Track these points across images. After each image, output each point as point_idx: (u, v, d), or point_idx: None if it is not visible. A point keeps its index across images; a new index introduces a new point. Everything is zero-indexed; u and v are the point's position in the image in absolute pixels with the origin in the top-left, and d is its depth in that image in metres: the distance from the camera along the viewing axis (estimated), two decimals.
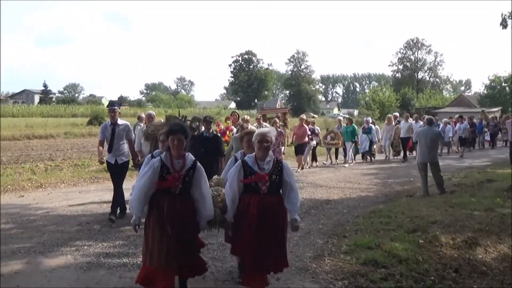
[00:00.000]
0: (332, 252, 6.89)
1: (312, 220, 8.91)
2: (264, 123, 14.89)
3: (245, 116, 12.80)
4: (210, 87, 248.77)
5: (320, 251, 6.97)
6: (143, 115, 16.11)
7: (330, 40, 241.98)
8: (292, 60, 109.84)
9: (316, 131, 17.41)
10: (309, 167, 16.13)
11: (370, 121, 19.56)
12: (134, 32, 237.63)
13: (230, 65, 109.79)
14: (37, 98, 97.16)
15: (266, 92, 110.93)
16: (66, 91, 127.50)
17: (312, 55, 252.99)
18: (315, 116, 62.22)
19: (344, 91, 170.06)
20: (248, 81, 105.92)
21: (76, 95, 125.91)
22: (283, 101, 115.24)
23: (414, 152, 18.29)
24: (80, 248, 6.91)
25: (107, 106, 9.02)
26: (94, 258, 6.45)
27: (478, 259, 7.02)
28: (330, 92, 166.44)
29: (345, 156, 18.41)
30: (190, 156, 4.90)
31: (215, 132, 9.60)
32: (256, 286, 4.90)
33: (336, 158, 18.42)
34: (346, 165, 17.61)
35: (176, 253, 4.67)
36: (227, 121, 12.81)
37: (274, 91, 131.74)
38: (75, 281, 5.59)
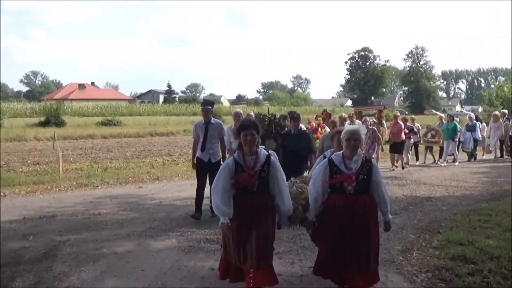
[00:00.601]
0: (422, 247, 7.01)
1: (408, 216, 8.99)
2: (357, 121, 14.68)
3: (343, 114, 12.61)
4: (326, 84, 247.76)
5: (409, 245, 7.12)
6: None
7: (451, 34, 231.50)
8: (410, 55, 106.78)
9: (416, 129, 16.81)
10: (403, 167, 15.54)
11: (474, 117, 18.54)
12: (253, 32, 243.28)
13: (346, 62, 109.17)
14: (161, 98, 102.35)
15: (383, 89, 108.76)
16: (188, 91, 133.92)
17: (432, 50, 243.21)
18: (437, 113, 59.79)
19: (467, 87, 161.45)
20: (364, 78, 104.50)
21: (198, 94, 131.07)
22: (401, 98, 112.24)
23: None
24: (184, 233, 7.70)
25: (201, 105, 9.18)
26: (195, 242, 7.18)
27: None
28: (452, 88, 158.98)
29: (440, 156, 17.32)
30: (263, 152, 4.85)
31: (303, 129, 9.67)
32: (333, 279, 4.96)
33: (440, 157, 17.31)
34: (443, 164, 16.64)
35: (258, 253, 4.62)
36: (318, 119, 12.71)
37: (392, 88, 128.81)
38: (177, 261, 6.32)
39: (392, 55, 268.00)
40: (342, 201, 4.71)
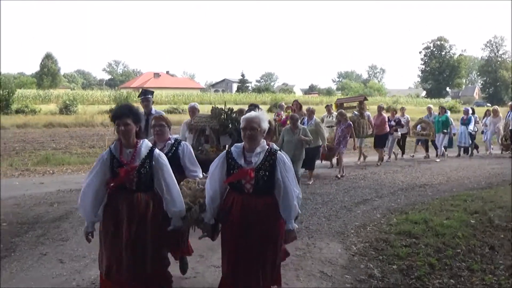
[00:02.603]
0: (378, 224, 7.87)
1: (390, 199, 9.79)
2: (334, 113, 13.81)
3: (310, 107, 11.94)
4: (402, 74, 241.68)
5: (368, 221, 8.01)
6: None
7: None
8: (488, 45, 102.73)
9: (403, 121, 15.94)
10: (388, 160, 15.23)
11: (470, 111, 17.63)
12: (327, 21, 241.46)
13: (420, 52, 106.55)
14: (235, 87, 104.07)
15: (459, 80, 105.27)
16: (262, 80, 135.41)
17: None
18: None
19: None
20: (439, 68, 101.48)
21: (272, 83, 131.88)
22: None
23: None
24: None
25: (138, 96, 8.77)
26: None
27: None
28: None
29: (436, 149, 16.38)
30: (146, 143, 4.22)
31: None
32: None
33: (427, 151, 16.59)
34: (438, 159, 15.91)
35: (132, 262, 4.03)
36: (288, 111, 12.31)
37: (472, 78, 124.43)
38: None
39: (470, 45, 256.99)
40: (239, 202, 4.05)
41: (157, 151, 4.23)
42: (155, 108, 8.76)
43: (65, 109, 34.23)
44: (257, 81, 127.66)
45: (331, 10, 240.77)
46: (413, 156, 16.98)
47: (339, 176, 12.00)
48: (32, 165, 13.66)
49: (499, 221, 7.88)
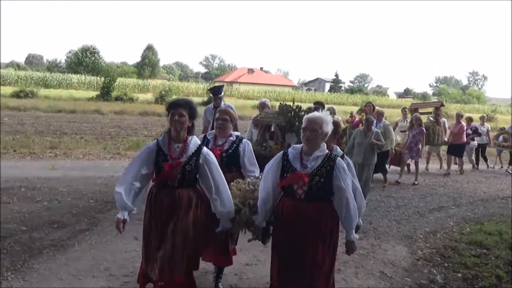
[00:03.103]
0: (450, 232, 7.77)
1: (468, 208, 9.57)
2: (409, 117, 13.04)
3: (379, 109, 11.52)
4: (506, 83, 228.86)
5: (440, 228, 7.92)
6: (267, 101, 14.71)
7: None
8: None
9: (481, 130, 15.20)
10: (461, 172, 14.08)
11: None
12: (426, 23, 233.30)
13: None
14: (327, 86, 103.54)
15: None
16: (356, 81, 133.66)
17: None
18: None
19: None
20: None
21: (366, 85, 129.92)
22: None
23: None
24: None
25: (209, 90, 8.74)
26: None
27: None
28: None
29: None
30: (195, 140, 4.05)
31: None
32: None
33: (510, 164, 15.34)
34: None
35: (167, 262, 3.88)
36: (362, 113, 11.92)
37: None
38: None
39: None
40: (290, 208, 3.83)
41: (205, 149, 4.06)
42: (224, 102, 8.63)
43: (160, 99, 35.80)
44: (350, 81, 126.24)
45: (432, 11, 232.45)
46: (494, 167, 16.11)
47: (416, 183, 11.65)
48: (123, 149, 14.53)
49: None
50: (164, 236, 3.91)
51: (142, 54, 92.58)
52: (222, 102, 8.46)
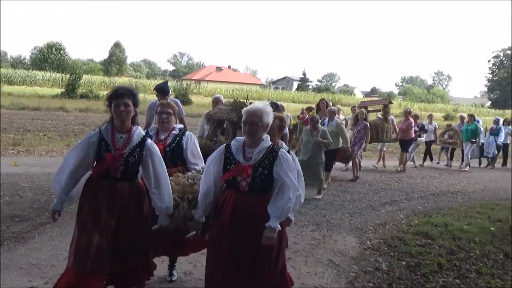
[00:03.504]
0: (399, 224, 8.18)
1: (419, 202, 10.04)
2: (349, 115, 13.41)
3: (332, 107, 11.54)
4: (469, 83, 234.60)
5: (390, 220, 8.33)
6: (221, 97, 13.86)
7: None
8: None
9: (427, 127, 15.48)
10: (404, 168, 14.28)
11: (501, 121, 17.12)
12: (392, 25, 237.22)
13: (489, 61, 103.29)
14: (295, 85, 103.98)
15: None
16: (324, 80, 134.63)
17: None
18: None
19: None
20: (507, 78, 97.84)
21: (334, 84, 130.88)
22: None
23: None
24: None
25: (155, 89, 8.36)
26: None
27: None
28: None
29: (462, 159, 16.14)
30: (139, 131, 3.91)
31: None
32: None
33: (451, 159, 16.31)
34: (466, 168, 15.55)
35: (110, 256, 3.73)
36: (312, 110, 11.87)
37: None
38: None
39: None
40: (232, 200, 3.76)
41: (149, 140, 3.97)
42: (171, 98, 8.35)
43: None
44: (318, 80, 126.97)
45: (399, 12, 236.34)
46: (438, 163, 16.68)
47: (354, 178, 11.78)
48: None
49: None
50: (104, 230, 3.73)
51: (109, 51, 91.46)
52: (169, 98, 8.17)
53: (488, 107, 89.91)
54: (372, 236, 7.45)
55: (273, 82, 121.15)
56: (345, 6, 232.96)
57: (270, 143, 3.85)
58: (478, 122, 15.99)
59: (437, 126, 16.48)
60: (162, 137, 4.72)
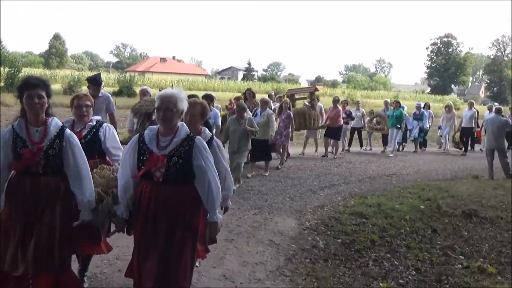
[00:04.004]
0: (337, 205, 8.63)
1: (356, 185, 10.57)
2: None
3: (265, 97, 11.49)
4: (410, 70, 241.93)
5: (328, 202, 8.79)
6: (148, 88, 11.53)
7: None
8: (495, 44, 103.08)
9: (356, 114, 15.90)
10: (335, 155, 14.32)
11: (422, 106, 18.02)
12: (336, 13, 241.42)
13: (427, 48, 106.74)
14: (241, 75, 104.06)
15: (464, 78, 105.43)
16: (269, 69, 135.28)
17: None
18: None
19: None
20: (445, 65, 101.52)
21: (279, 73, 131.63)
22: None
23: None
24: None
25: (87, 79, 8.11)
26: None
27: (471, 229, 8.17)
28: None
29: (385, 143, 16.38)
30: (56, 121, 3.72)
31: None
32: None
33: (385, 144, 16.36)
34: (391, 154, 15.66)
35: (27, 255, 3.56)
36: (241, 100, 11.64)
37: (479, 77, 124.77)
38: None
39: (478, 43, 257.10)
40: (148, 192, 3.62)
41: (68, 130, 3.76)
42: (102, 92, 8.08)
43: (69, 89, 34.92)
44: (264, 70, 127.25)
45: (342, 2, 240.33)
46: (371, 149, 16.99)
47: (279, 166, 11.77)
48: None
49: (447, 208, 8.62)
50: (28, 228, 3.60)
51: (49, 43, 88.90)
52: (101, 92, 7.91)
53: (428, 93, 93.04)
54: (311, 217, 7.87)
55: (219, 72, 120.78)
56: None
57: (187, 131, 3.73)
58: (403, 108, 16.46)
59: (364, 113, 16.78)
60: (78, 129, 4.45)
